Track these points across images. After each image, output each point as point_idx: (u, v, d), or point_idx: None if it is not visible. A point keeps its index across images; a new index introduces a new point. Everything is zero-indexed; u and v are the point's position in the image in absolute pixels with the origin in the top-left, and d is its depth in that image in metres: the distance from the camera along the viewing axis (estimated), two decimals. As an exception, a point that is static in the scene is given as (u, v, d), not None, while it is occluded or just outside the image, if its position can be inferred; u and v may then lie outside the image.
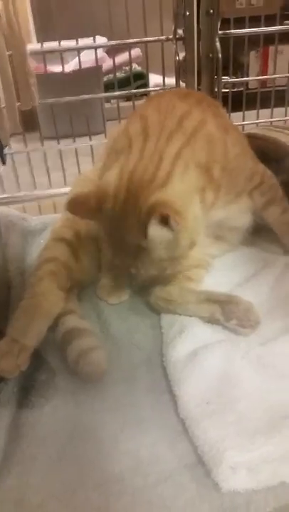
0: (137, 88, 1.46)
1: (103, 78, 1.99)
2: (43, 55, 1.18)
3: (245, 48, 1.23)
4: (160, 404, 0.63)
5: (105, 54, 2.02)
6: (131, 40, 1.15)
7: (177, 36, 1.15)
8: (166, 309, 0.77)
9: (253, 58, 1.86)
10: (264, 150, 0.90)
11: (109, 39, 1.20)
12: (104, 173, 0.79)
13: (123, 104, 1.47)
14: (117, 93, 1.27)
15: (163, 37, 1.15)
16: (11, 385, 0.64)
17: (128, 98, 1.57)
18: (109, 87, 1.80)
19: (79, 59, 1.23)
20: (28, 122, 1.23)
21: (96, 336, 0.73)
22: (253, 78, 1.35)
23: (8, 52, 1.09)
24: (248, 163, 0.83)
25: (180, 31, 1.15)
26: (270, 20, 1.22)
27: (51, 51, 1.19)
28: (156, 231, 0.63)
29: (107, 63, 1.94)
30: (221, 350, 0.67)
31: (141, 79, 1.85)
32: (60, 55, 1.19)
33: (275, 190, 0.86)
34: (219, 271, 0.87)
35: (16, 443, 0.58)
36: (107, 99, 1.86)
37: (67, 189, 1.22)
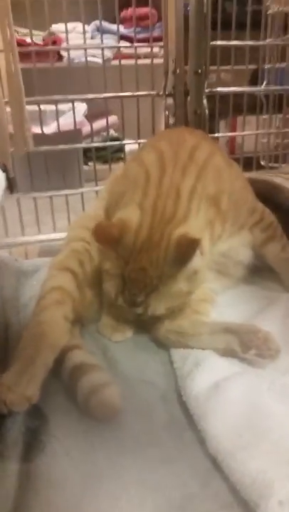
0: (114, 153, 1.46)
1: (82, 142, 2.04)
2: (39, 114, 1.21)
3: (229, 107, 1.31)
4: (183, 441, 0.58)
5: (84, 119, 2.10)
6: (123, 94, 1.21)
7: (167, 93, 1.22)
8: (177, 343, 0.73)
9: (222, 127, 2.00)
10: (263, 193, 0.93)
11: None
12: (116, 199, 0.79)
13: (101, 167, 1.46)
14: (108, 143, 1.30)
15: (153, 92, 1.21)
16: (19, 422, 0.57)
17: (105, 161, 1.55)
18: (87, 151, 1.83)
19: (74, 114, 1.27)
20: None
21: (106, 372, 0.67)
22: (245, 133, 1.42)
23: (4, 100, 1.11)
24: (249, 198, 0.85)
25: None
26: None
27: (47, 101, 1.22)
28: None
29: (87, 128, 1.99)
30: (244, 381, 0.63)
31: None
32: (56, 109, 1.23)
33: (275, 228, 0.88)
34: (223, 307, 0.85)
35: (30, 486, 0.50)
36: (86, 162, 1.91)
37: (56, 235, 1.21)
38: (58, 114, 1.26)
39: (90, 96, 1.20)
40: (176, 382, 0.67)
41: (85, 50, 1.24)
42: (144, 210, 0.70)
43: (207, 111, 1.22)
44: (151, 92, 1.22)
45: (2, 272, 0.93)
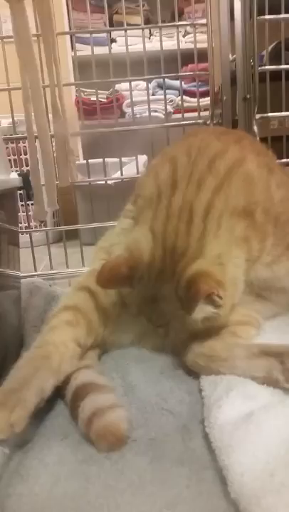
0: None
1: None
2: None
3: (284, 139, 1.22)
4: (201, 482, 0.45)
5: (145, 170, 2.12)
6: (169, 124, 1.18)
7: (214, 122, 1.17)
8: (208, 368, 0.61)
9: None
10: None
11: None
12: (137, 218, 0.73)
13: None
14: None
15: (200, 120, 1.17)
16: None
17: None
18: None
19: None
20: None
21: (117, 395, 0.57)
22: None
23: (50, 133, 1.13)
24: None
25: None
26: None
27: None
28: (201, 309, 0.57)
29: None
30: (287, 410, 0.49)
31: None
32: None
33: None
34: (270, 333, 0.71)
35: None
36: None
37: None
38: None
39: (135, 127, 1.18)
40: (202, 413, 0.54)
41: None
42: (155, 236, 0.63)
43: (258, 138, 1.15)
44: (198, 121, 1.18)
45: (32, 296, 0.88)
